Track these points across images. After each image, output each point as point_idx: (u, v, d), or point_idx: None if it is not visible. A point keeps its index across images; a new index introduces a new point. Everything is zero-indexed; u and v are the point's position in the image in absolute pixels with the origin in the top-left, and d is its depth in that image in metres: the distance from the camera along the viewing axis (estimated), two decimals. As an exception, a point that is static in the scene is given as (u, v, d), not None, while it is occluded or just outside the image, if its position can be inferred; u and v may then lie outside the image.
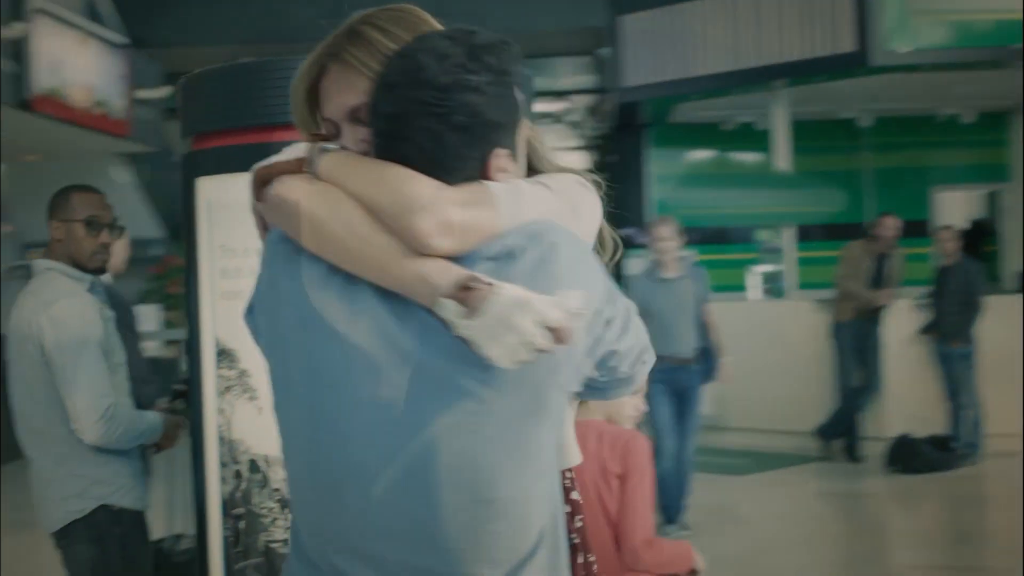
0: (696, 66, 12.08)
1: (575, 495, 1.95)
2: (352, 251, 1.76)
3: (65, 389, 3.77)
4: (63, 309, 3.83)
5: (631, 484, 3.62)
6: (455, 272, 1.69)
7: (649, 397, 7.25)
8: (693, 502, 7.79)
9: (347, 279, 1.78)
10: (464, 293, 1.66)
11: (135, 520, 3.94)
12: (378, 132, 1.81)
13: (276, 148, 2.00)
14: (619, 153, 14.97)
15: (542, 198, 1.81)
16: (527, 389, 1.74)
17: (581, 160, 17.05)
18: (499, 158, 1.81)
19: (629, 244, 8.38)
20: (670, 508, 7.59)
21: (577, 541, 1.93)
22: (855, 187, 14.51)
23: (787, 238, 14.57)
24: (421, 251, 1.72)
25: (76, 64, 11.60)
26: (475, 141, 1.78)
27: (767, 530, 8.06)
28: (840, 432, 10.22)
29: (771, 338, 11.72)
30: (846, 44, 10.94)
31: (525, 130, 1.89)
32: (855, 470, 9.88)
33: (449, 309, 1.67)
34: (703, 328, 7.77)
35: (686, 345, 7.60)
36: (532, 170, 1.95)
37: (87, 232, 3.98)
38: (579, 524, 1.94)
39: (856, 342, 10.12)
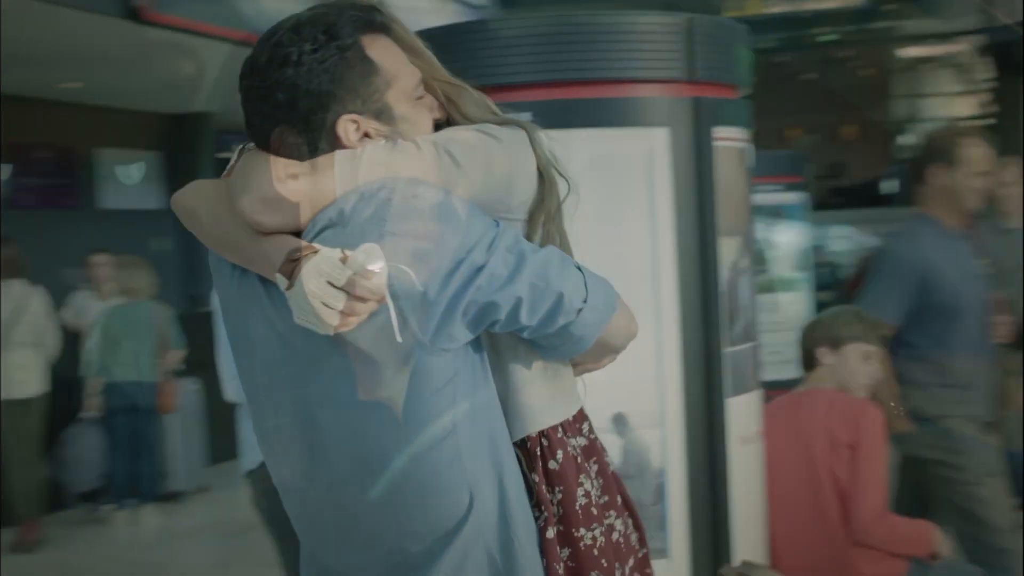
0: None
1: (553, 464, 1.83)
2: (215, 235, 1.80)
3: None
4: None
5: (862, 454, 3.42)
6: (289, 245, 1.67)
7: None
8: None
9: (243, 269, 1.79)
10: (290, 265, 1.62)
11: None
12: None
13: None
14: (1000, 95, 14.11)
15: (403, 156, 1.72)
16: (387, 354, 1.66)
17: (967, 106, 16.18)
18: (350, 123, 1.74)
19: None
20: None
21: (548, 514, 1.82)
22: None
23: None
24: (256, 229, 1.72)
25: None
26: (308, 113, 1.72)
27: None
28: None
29: None
30: None
31: (409, 88, 1.80)
32: None
33: (280, 282, 1.64)
34: None
35: None
36: (451, 125, 1.88)
37: None
38: (559, 496, 1.83)
39: None
